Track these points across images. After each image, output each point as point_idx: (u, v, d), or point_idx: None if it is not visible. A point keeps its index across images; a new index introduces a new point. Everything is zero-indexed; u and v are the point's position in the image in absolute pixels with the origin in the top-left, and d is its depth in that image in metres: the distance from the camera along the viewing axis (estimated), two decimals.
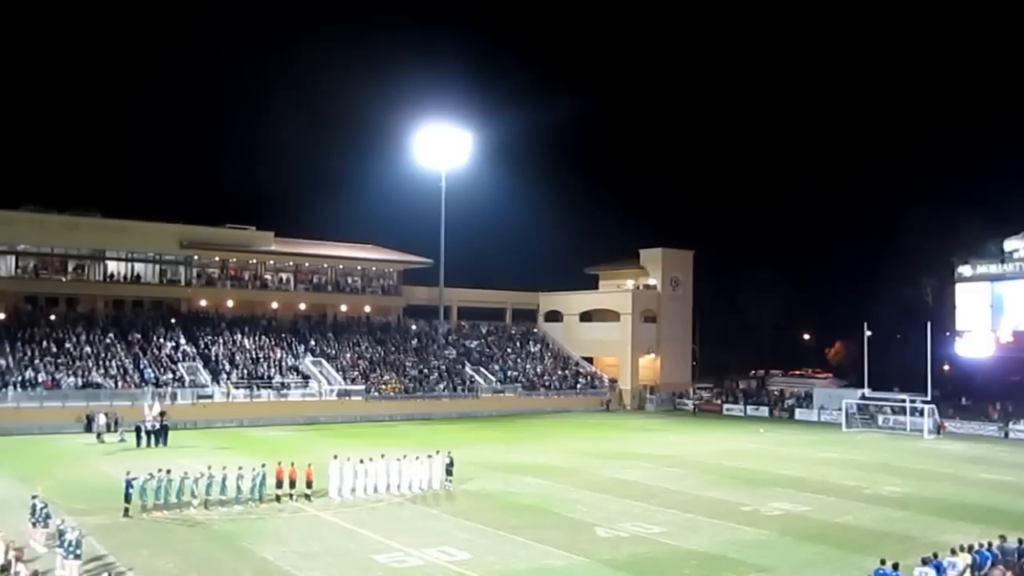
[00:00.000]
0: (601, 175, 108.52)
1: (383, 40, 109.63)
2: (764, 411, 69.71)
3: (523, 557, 22.34)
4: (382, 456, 31.60)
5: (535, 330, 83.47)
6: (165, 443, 42.90)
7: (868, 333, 61.19)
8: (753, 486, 33.93)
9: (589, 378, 76.11)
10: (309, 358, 64.24)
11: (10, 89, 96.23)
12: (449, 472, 31.58)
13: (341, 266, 74.97)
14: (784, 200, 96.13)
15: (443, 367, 69.47)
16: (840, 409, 61.46)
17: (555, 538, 24.17)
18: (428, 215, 72.10)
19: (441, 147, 69.28)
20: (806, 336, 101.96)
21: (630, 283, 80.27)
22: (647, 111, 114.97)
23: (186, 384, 55.74)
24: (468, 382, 68.62)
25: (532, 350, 78.63)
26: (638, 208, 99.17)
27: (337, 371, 63.20)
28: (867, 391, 61.37)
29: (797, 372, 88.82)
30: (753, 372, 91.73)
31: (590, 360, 79.19)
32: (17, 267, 61.76)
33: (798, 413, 67.66)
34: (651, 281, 79.91)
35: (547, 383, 72.56)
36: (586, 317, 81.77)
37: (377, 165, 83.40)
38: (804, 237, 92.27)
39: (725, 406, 72.56)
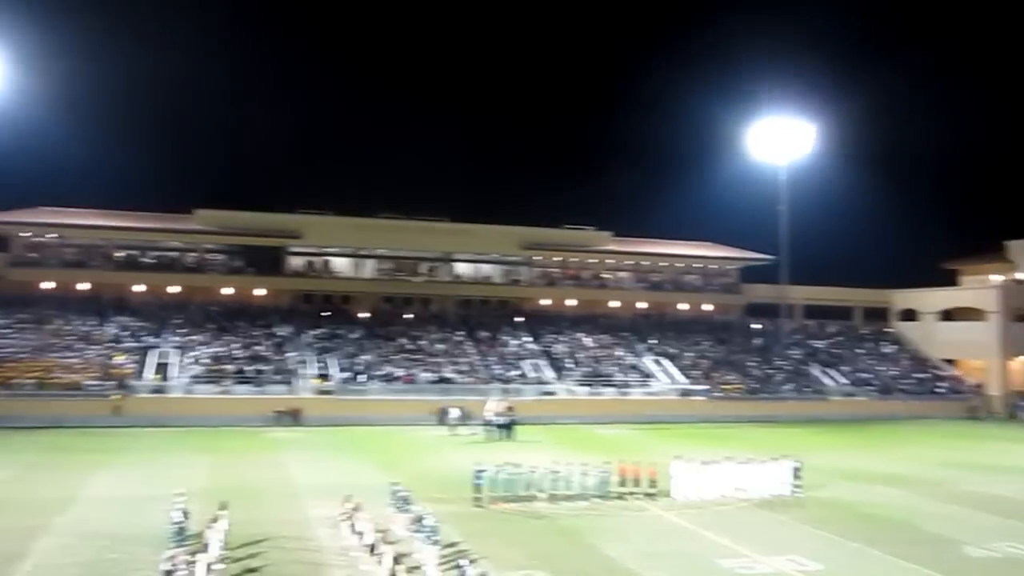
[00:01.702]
0: (955, 163, 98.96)
1: (715, 29, 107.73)
2: None
3: (880, 572, 21.07)
4: (727, 459, 31.21)
5: (887, 330, 78.09)
6: (512, 437, 45.13)
7: None
8: None
9: (950, 382, 69.81)
10: (649, 356, 65.02)
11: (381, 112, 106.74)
12: (797, 478, 30.48)
13: (679, 264, 75.12)
14: None
15: (788, 368, 67.19)
16: None
17: (916, 554, 22.51)
18: (766, 211, 70.10)
19: (780, 140, 66.99)
20: None
21: (996, 278, 72.54)
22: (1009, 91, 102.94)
23: (530, 380, 58.66)
24: (815, 384, 65.76)
25: (885, 351, 73.69)
26: (1001, 196, 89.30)
27: (678, 370, 63.35)
28: None
29: None
30: None
31: (951, 362, 72.61)
32: (377, 270, 68.76)
33: None
34: (1020, 275, 71.68)
35: (903, 387, 67.58)
36: (946, 316, 75.07)
37: (712, 161, 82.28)
38: None
39: None
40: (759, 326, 74.01)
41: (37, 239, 62.80)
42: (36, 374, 50.83)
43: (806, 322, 76.56)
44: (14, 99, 53.72)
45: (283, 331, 60.87)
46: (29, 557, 21.34)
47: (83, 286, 62.34)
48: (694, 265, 75.72)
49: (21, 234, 62.16)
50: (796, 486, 30.13)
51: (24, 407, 47.85)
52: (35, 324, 56.80)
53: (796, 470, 30.42)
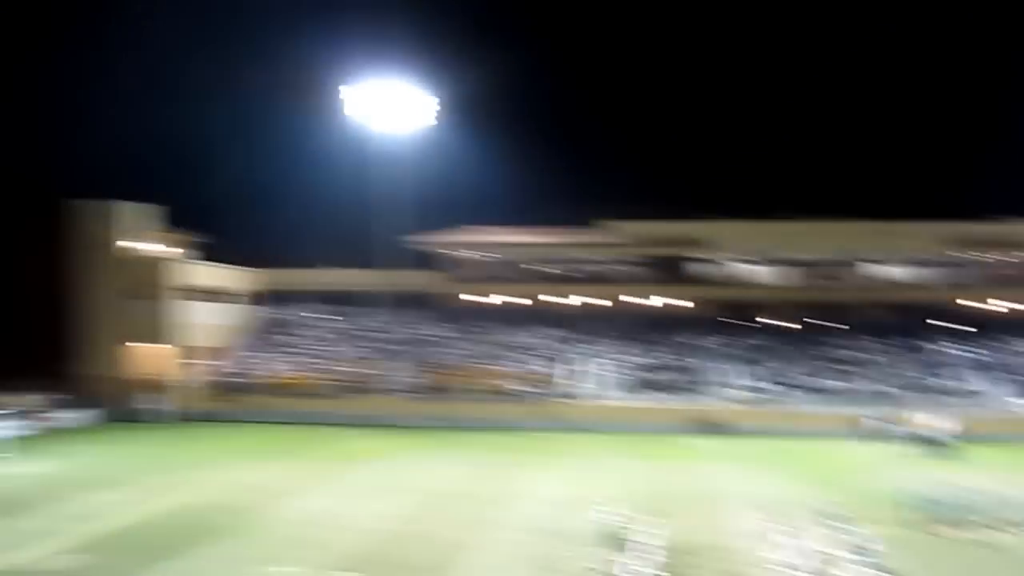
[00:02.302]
0: None
1: None
2: None
3: None
4: None
5: None
6: (948, 454, 41.22)
7: None
8: None
9: None
10: None
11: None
12: None
13: None
14: None
15: None
16: None
17: None
18: None
19: None
20: None
21: None
22: None
23: (959, 391, 53.36)
24: None
25: None
26: None
27: None
28: None
29: None
30: None
31: None
32: (792, 275, 66.21)
33: None
34: None
35: None
36: None
37: None
38: None
39: None
40: None
41: (467, 256, 69.43)
42: (471, 379, 56.92)
43: None
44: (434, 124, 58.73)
45: (697, 340, 61.80)
46: (481, 548, 23.78)
47: (504, 298, 68.05)
48: None
49: (453, 252, 69.16)
50: None
51: (462, 409, 54.04)
52: (467, 334, 62.95)
53: None
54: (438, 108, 55.83)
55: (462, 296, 68.57)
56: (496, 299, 68.48)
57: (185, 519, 27.25)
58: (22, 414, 48.33)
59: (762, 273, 67.54)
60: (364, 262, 65.24)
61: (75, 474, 35.64)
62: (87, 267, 58.71)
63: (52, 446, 43.32)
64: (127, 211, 59.86)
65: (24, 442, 43.26)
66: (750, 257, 67.08)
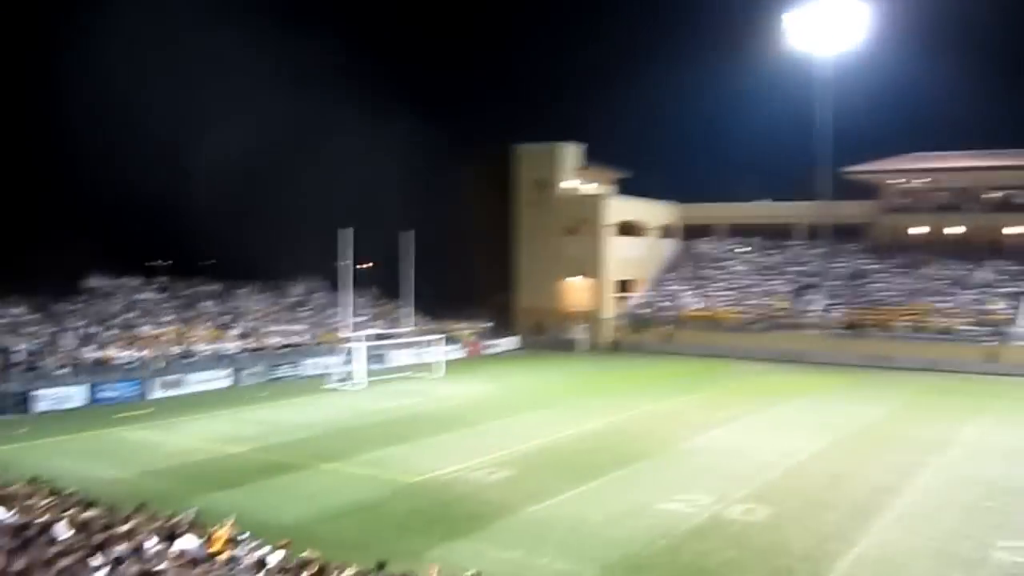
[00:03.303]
0: None
1: None
2: None
3: None
4: None
5: None
6: None
7: None
8: None
9: None
10: None
11: None
12: None
13: None
14: None
15: None
16: None
17: None
18: None
19: None
20: None
21: None
22: None
23: None
24: None
25: None
26: None
27: None
28: None
29: None
30: None
31: None
32: None
33: None
34: None
35: None
36: None
37: None
38: None
39: None
40: None
41: (907, 185, 62.47)
42: (911, 318, 51.29)
43: None
44: (878, 45, 54.06)
45: None
46: (906, 493, 21.61)
47: (954, 230, 60.00)
48: None
49: (890, 181, 62.55)
50: None
51: (899, 349, 48.86)
52: (908, 269, 56.87)
53: None
54: (878, 26, 51.62)
55: (903, 227, 61.90)
56: (947, 230, 60.63)
57: (598, 443, 27.37)
58: (459, 340, 52.91)
59: None
60: (790, 193, 61.90)
61: (501, 396, 37.76)
62: (528, 206, 62.32)
63: (483, 370, 46.54)
64: (565, 152, 62.21)
65: (460, 365, 47.18)
66: None
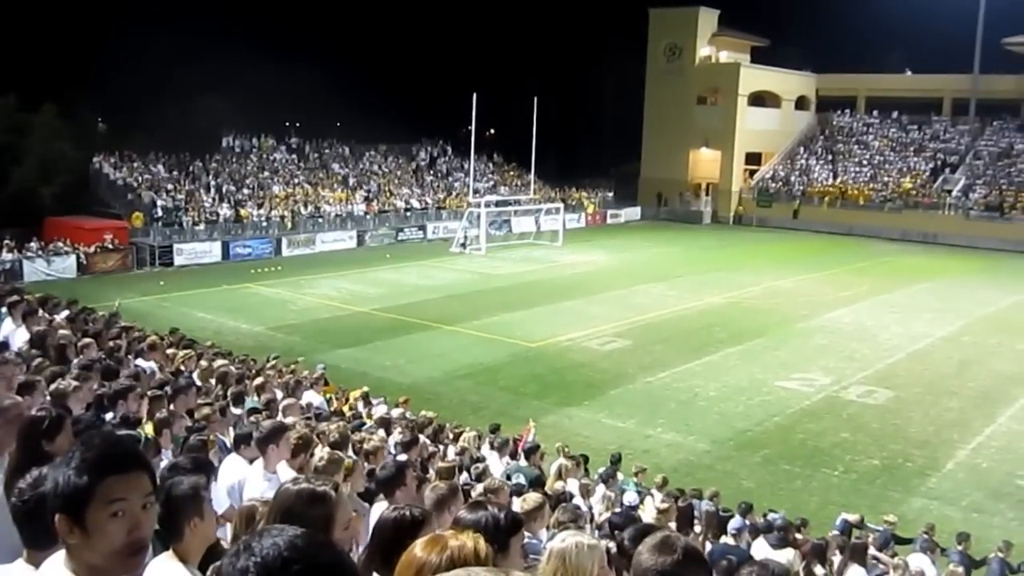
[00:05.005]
0: None
1: None
2: None
3: None
4: None
5: None
6: None
7: None
8: None
9: None
10: None
11: None
12: None
13: None
14: None
15: None
16: None
17: None
18: None
19: None
20: None
21: None
22: None
23: None
24: None
25: None
26: None
27: None
28: None
29: None
30: None
31: None
32: None
33: None
34: None
35: None
36: None
37: None
38: None
39: None
40: None
41: None
42: None
43: None
44: None
45: None
46: None
47: None
48: None
49: None
50: None
51: None
52: None
53: None
54: None
55: None
56: None
57: (716, 318, 27.09)
58: (581, 208, 52.70)
59: None
60: (935, 65, 57.69)
61: (620, 267, 37.69)
62: (660, 73, 60.22)
63: (604, 239, 46.32)
64: (700, 17, 59.23)
65: (581, 234, 47.11)
66: None
